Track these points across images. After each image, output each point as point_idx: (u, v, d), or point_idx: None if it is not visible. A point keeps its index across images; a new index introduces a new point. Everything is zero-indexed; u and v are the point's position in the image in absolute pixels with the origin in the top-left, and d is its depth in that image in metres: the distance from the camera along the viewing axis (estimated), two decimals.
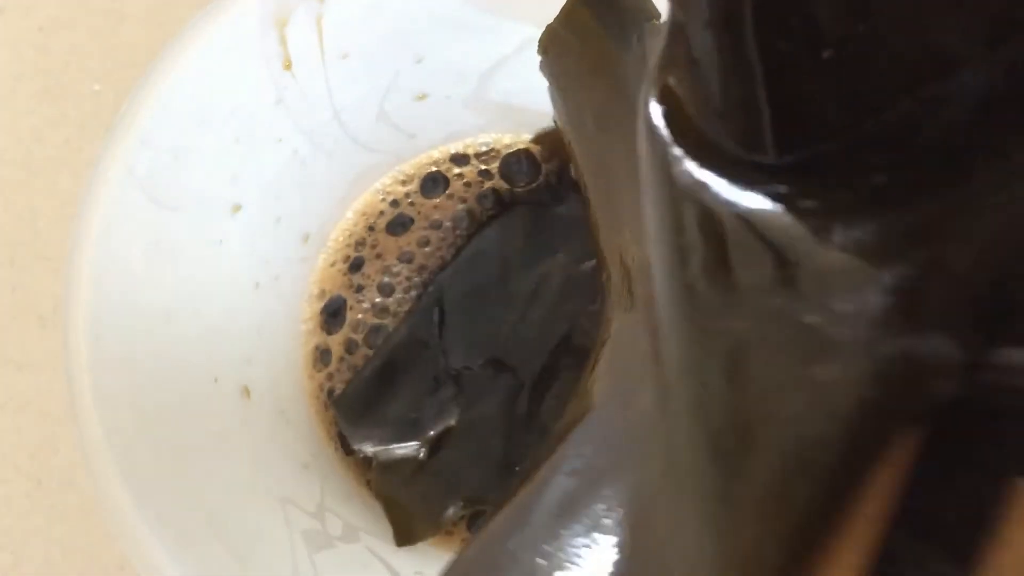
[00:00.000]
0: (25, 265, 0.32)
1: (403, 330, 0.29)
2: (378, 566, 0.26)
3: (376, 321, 0.30)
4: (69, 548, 0.30)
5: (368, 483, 0.29)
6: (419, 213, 0.30)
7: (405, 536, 0.28)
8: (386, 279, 0.30)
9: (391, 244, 0.30)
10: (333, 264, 0.30)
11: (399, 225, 0.30)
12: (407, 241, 0.30)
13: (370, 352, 0.29)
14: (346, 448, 0.29)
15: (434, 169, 0.31)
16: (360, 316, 0.30)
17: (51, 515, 0.30)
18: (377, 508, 0.29)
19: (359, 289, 0.30)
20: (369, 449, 0.28)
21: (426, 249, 0.30)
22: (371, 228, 0.30)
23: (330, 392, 0.29)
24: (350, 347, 0.30)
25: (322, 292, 0.30)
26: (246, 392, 0.27)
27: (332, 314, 0.30)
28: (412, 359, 0.29)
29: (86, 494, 0.30)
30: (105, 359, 0.22)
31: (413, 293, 0.30)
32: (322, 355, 0.30)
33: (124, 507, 0.21)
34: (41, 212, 0.32)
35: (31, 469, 0.30)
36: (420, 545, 0.28)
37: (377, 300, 0.30)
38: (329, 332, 0.30)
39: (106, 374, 0.22)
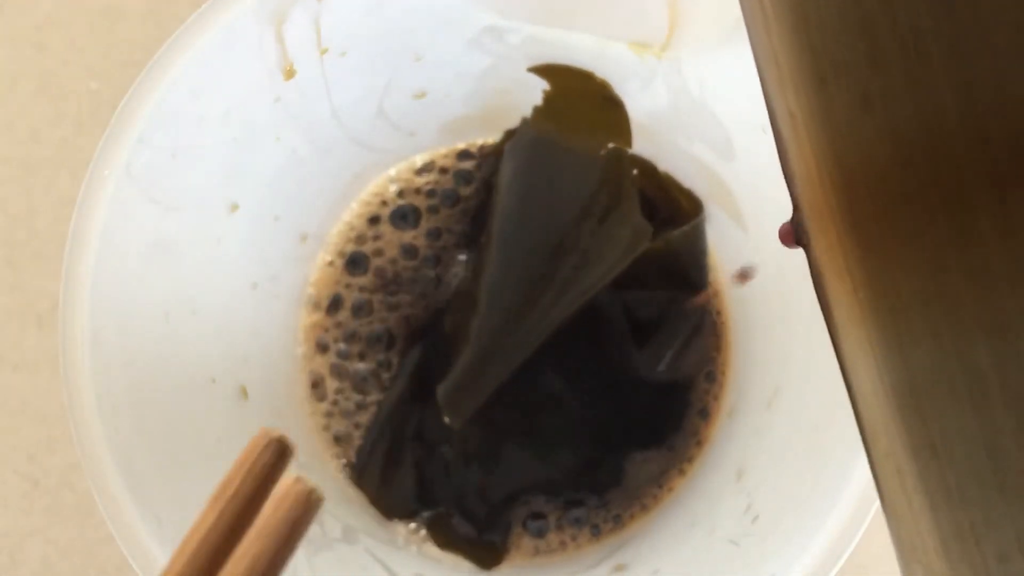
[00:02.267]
0: (23, 265, 0.31)
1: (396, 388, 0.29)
2: (377, 568, 0.25)
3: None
4: (67, 549, 0.30)
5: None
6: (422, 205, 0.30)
7: (486, 562, 0.28)
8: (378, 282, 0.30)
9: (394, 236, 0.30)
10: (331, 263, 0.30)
11: (400, 218, 0.30)
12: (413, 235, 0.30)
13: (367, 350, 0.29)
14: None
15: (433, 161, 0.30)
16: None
17: (49, 516, 0.30)
18: (376, 510, 0.28)
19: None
20: (411, 525, 0.29)
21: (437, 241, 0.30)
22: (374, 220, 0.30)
23: (328, 412, 0.29)
24: (343, 362, 0.30)
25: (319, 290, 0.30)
26: (243, 392, 0.26)
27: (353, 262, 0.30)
28: (406, 419, 0.29)
29: (84, 494, 0.30)
30: (103, 359, 0.22)
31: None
32: (317, 382, 0.30)
33: (122, 507, 0.21)
34: (39, 211, 0.32)
35: (29, 470, 0.30)
36: (420, 548, 0.28)
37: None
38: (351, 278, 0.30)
39: (104, 374, 0.22)
